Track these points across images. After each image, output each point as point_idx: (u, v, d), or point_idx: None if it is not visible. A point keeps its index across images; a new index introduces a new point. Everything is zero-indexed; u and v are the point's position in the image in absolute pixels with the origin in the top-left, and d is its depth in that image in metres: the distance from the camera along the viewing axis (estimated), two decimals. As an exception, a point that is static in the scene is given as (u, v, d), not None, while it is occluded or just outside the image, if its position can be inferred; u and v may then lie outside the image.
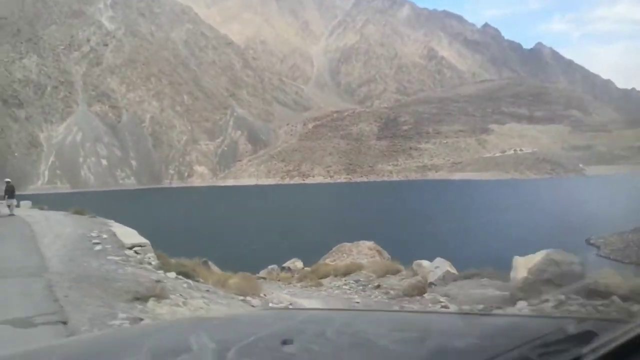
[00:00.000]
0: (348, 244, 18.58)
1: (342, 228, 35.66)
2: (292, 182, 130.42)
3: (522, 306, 5.37)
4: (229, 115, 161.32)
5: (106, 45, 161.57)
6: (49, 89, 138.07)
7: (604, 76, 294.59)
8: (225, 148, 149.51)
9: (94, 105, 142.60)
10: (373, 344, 1.16)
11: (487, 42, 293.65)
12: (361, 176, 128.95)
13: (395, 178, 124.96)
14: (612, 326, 1.13)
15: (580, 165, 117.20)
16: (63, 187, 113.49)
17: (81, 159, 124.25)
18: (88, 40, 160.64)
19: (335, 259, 17.48)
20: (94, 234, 9.36)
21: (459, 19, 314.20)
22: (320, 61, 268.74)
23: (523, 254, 7.11)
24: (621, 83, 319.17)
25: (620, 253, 21.83)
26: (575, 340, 1.04)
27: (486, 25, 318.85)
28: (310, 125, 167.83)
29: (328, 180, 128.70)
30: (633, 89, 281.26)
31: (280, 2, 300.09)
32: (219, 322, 1.69)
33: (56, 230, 10.34)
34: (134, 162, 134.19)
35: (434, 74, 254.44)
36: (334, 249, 18.64)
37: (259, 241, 35.74)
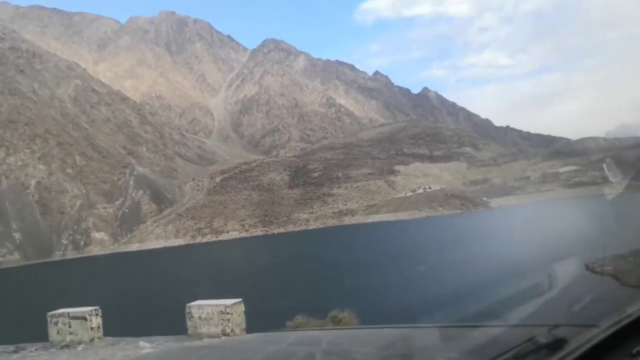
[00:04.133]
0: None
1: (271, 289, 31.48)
2: (204, 240, 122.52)
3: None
4: (128, 174, 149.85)
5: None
6: None
7: (482, 116, 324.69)
8: (127, 210, 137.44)
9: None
10: None
11: (379, 88, 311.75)
12: (278, 227, 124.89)
13: (313, 226, 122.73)
14: (581, 331, 1.12)
15: (484, 199, 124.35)
16: None
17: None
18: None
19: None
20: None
21: (351, 67, 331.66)
22: (221, 114, 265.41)
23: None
24: (497, 121, 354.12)
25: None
26: (546, 349, 1.03)
27: (377, 72, 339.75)
28: (217, 179, 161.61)
29: (244, 234, 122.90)
30: (507, 126, 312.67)
31: (175, 55, 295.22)
32: (209, 350, 1.90)
33: None
34: (17, 235, 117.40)
35: (334, 121, 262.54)
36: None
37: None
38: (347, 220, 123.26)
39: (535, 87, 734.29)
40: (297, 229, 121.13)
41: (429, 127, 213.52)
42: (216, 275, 47.48)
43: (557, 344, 1.07)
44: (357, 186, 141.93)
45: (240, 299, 11.27)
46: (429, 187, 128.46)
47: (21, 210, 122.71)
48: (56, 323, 12.97)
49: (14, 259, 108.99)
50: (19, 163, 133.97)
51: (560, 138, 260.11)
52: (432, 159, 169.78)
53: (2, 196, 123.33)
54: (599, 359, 1.03)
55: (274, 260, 54.76)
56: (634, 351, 1.00)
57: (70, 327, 12.78)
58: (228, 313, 10.70)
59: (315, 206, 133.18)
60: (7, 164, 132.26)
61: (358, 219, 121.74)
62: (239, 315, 10.91)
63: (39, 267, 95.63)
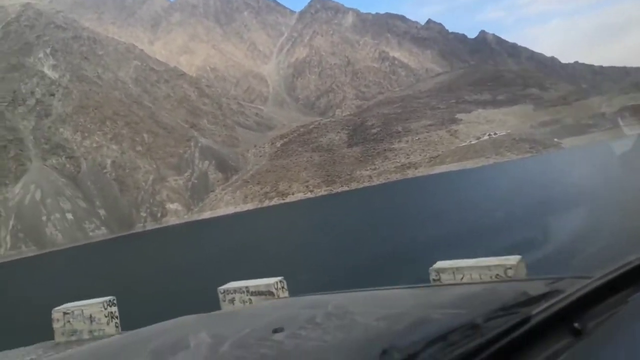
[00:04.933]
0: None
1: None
2: (272, 203, 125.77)
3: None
4: (193, 146, 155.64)
5: (53, 95, 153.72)
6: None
7: (547, 54, 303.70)
8: (195, 181, 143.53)
9: (49, 159, 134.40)
10: (356, 323, 1.19)
11: (433, 37, 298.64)
12: (342, 186, 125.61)
13: (376, 182, 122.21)
14: (573, 283, 1.15)
15: (556, 140, 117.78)
16: (29, 251, 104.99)
17: (44, 218, 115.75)
18: (32, 93, 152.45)
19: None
20: None
21: (402, 18, 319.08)
22: (274, 79, 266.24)
23: None
24: (564, 58, 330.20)
25: None
26: (528, 302, 1.04)
27: (429, 21, 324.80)
28: (278, 144, 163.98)
29: (309, 195, 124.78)
30: (576, 62, 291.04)
31: (224, 26, 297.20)
32: (218, 318, 1.97)
33: None
34: (101, 212, 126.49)
35: (389, 75, 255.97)
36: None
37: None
38: (411, 173, 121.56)
39: (603, 17, 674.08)
40: (360, 186, 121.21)
41: (490, 72, 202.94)
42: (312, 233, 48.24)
43: (543, 296, 1.07)
44: (418, 138, 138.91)
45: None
46: (495, 133, 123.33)
47: (102, 188, 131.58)
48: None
49: (102, 233, 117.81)
50: (94, 145, 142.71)
51: (638, 68, 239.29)
52: (495, 104, 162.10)
53: (84, 177, 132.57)
54: (592, 307, 1.04)
55: (355, 217, 54.90)
56: (629, 299, 1.00)
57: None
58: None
59: (376, 162, 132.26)
60: (84, 147, 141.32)
61: (422, 171, 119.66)
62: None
63: (125, 239, 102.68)
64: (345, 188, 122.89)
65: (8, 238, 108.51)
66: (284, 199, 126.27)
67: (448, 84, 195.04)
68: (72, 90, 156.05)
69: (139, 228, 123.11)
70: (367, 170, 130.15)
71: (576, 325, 1.03)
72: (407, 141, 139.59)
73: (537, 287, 1.13)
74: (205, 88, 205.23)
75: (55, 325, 12.24)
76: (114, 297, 12.42)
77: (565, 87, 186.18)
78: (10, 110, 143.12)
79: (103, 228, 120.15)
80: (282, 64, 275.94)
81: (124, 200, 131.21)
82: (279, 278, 10.98)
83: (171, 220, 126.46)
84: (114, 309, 12.13)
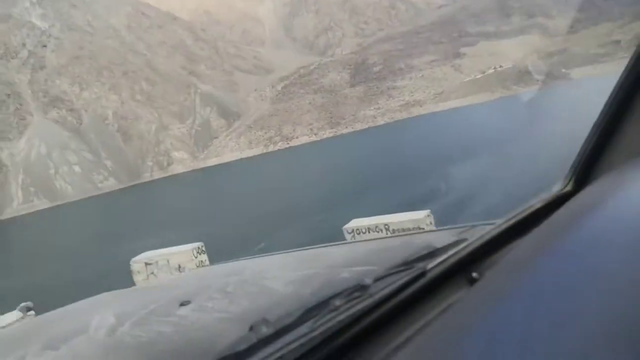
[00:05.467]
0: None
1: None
2: (276, 148, 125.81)
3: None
4: (193, 93, 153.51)
5: (45, 45, 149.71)
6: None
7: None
8: (199, 128, 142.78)
9: (49, 112, 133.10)
10: (266, 289, 1.13)
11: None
12: (346, 127, 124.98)
13: (380, 121, 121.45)
14: (476, 232, 1.09)
15: (563, 70, 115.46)
16: (41, 204, 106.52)
17: (52, 171, 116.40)
18: (24, 45, 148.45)
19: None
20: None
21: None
22: (271, 20, 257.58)
23: None
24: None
25: None
26: (431, 254, 1.01)
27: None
28: (279, 87, 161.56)
29: (313, 138, 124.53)
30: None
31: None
32: (130, 295, 2.04)
33: None
34: (108, 163, 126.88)
35: (388, 9, 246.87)
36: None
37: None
38: (416, 111, 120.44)
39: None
40: (365, 126, 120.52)
41: (493, 2, 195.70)
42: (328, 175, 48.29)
43: (450, 247, 1.04)
44: (422, 75, 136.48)
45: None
46: (500, 66, 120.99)
47: (106, 140, 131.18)
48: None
49: (110, 184, 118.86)
50: (93, 96, 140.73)
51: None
52: (499, 35, 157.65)
53: (87, 129, 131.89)
54: (490, 255, 1.01)
55: (365, 157, 54.90)
56: (519, 243, 0.96)
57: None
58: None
59: (380, 101, 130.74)
60: (83, 98, 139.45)
61: (427, 108, 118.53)
62: None
63: (134, 188, 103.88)
64: (350, 129, 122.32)
65: (20, 192, 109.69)
66: (288, 143, 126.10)
67: (450, 17, 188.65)
68: (64, 40, 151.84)
69: (146, 178, 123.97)
70: (371, 109, 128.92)
71: (474, 274, 1.03)
72: (411, 78, 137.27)
73: (442, 238, 1.09)
74: (201, 32, 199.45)
75: (137, 278, 11.04)
76: (202, 244, 11.20)
77: (572, 14, 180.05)
78: (4, 63, 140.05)
79: (111, 179, 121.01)
80: (277, 3, 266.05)
81: (129, 151, 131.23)
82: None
83: (177, 169, 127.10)
84: (204, 257, 11.01)
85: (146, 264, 10.93)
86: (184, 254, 10.71)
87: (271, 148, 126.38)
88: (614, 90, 1.15)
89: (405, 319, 0.91)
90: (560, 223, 0.92)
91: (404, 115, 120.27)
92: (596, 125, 1.21)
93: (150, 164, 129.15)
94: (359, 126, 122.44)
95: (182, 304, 1.18)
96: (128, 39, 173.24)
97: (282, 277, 1.18)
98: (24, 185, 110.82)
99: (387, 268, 0.99)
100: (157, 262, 10.83)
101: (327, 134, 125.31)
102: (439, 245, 1.05)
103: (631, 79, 1.11)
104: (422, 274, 0.97)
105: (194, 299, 1.20)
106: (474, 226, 1.24)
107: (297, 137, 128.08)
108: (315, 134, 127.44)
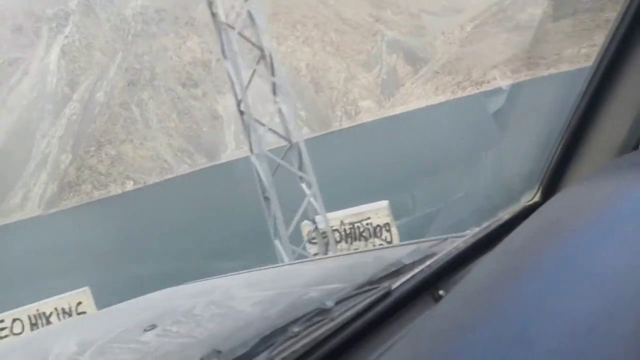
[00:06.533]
0: None
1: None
2: (465, 94, 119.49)
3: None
4: (379, 41, 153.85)
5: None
6: (213, 63, 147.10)
7: None
8: (385, 76, 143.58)
9: (252, 66, 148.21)
10: (233, 311, 1.10)
11: None
12: (548, 68, 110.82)
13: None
14: (445, 246, 1.08)
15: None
16: (248, 151, 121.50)
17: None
18: (232, 7, 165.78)
19: None
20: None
21: None
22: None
23: None
24: None
25: None
26: (398, 271, 0.99)
27: None
28: (468, 28, 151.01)
29: (507, 81, 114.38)
30: None
31: None
32: (97, 318, 1.99)
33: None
34: (302, 113, 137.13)
35: None
36: None
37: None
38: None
39: None
40: (573, 67, 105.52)
41: None
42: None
43: (419, 263, 1.01)
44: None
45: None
46: None
47: (300, 91, 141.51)
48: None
49: (305, 132, 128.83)
50: (289, 50, 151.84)
51: None
52: None
53: (284, 81, 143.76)
54: (457, 271, 0.99)
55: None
56: (483, 258, 0.93)
57: None
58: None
59: (595, 37, 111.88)
60: (281, 52, 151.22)
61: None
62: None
63: (325, 137, 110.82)
64: (553, 70, 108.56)
65: (232, 140, 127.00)
66: (478, 88, 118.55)
67: None
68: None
69: (335, 127, 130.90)
70: (584, 47, 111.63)
71: (440, 292, 0.99)
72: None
73: (411, 254, 1.06)
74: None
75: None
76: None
77: None
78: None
79: (305, 128, 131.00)
80: None
81: (320, 101, 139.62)
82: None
83: (365, 118, 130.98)
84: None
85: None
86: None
87: (459, 94, 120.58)
88: (579, 95, 1.12)
89: (368, 342, 0.88)
90: (526, 236, 0.90)
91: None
92: (562, 132, 1.17)
93: (339, 113, 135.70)
94: (564, 67, 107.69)
95: (146, 330, 1.12)
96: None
97: (250, 297, 1.15)
98: (236, 134, 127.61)
99: (353, 287, 0.96)
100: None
101: (524, 76, 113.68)
102: (407, 261, 1.02)
103: (595, 83, 1.08)
104: (388, 294, 0.93)
105: (160, 322, 1.15)
106: (444, 239, 1.19)
107: (488, 82, 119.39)
108: (509, 77, 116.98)
